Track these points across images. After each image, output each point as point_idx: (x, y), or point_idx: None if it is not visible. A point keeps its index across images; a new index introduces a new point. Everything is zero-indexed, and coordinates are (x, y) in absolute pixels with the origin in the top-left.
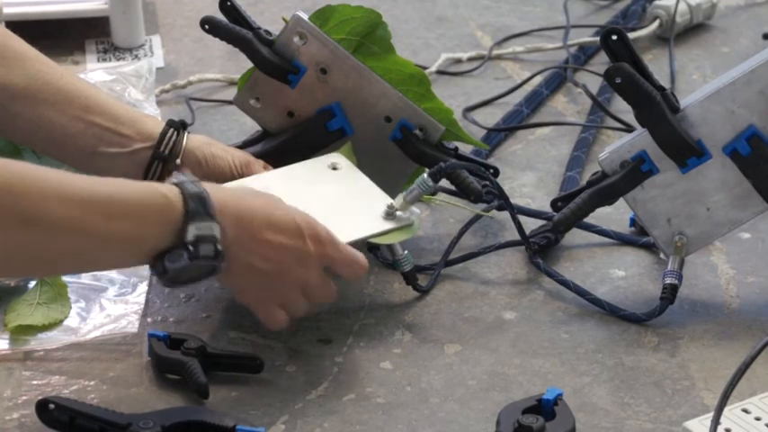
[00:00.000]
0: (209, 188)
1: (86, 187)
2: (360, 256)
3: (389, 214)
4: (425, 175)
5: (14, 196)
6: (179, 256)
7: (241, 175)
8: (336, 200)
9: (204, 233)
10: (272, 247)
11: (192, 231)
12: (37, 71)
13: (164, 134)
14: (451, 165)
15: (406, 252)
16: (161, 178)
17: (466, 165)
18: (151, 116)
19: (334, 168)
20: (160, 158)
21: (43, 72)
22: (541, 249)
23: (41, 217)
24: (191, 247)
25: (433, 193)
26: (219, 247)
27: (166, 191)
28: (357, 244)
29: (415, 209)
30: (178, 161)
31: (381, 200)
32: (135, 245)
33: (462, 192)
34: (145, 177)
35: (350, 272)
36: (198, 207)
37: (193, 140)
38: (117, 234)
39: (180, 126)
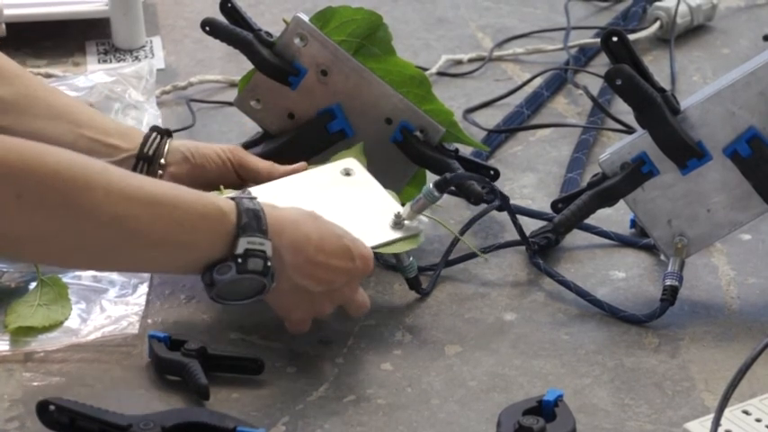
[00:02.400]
0: (267, 208)
1: (136, 185)
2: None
3: (397, 224)
4: (431, 186)
5: (61, 181)
6: (228, 268)
7: (231, 162)
8: (345, 207)
9: (255, 248)
10: (326, 270)
11: (242, 245)
12: (25, 86)
13: (147, 137)
14: (458, 176)
15: (411, 259)
16: None
17: (471, 175)
18: (137, 128)
19: (347, 174)
20: (144, 159)
21: (32, 87)
22: (541, 249)
23: (85, 206)
24: (240, 260)
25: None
26: (269, 263)
27: (222, 203)
28: None
29: (423, 218)
30: (162, 161)
31: (390, 208)
32: (183, 251)
33: (462, 194)
34: None
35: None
36: (251, 222)
37: (176, 142)
38: (164, 237)
39: (165, 132)
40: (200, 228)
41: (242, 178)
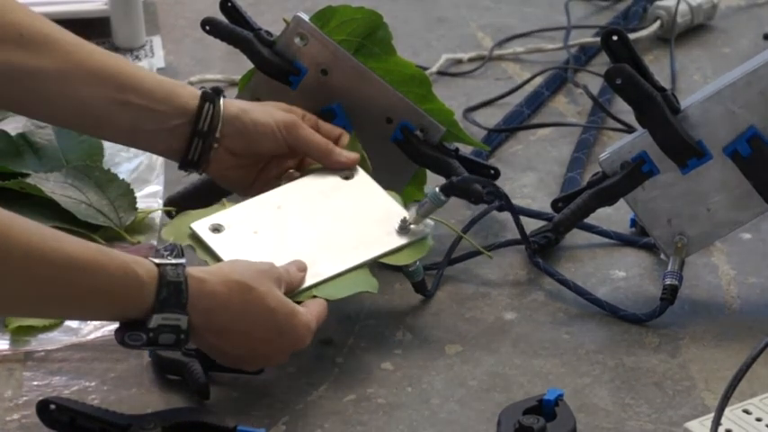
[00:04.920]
0: (192, 279)
1: (55, 247)
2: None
3: (403, 228)
4: (437, 189)
5: None
6: (138, 337)
7: (285, 140)
8: (350, 215)
9: (168, 323)
10: (245, 338)
11: (156, 320)
12: (67, 52)
13: (200, 109)
14: (464, 179)
15: (418, 263)
16: (203, 153)
17: (477, 178)
18: (184, 85)
19: (347, 178)
20: (199, 135)
21: (73, 53)
22: (541, 249)
23: (3, 268)
24: (151, 334)
25: None
26: (182, 336)
27: (144, 273)
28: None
29: (429, 221)
30: (218, 134)
31: (395, 213)
32: (98, 314)
33: (463, 194)
34: (186, 153)
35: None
36: (170, 297)
37: (230, 109)
38: (81, 302)
39: (215, 96)
40: (117, 296)
41: (297, 154)
